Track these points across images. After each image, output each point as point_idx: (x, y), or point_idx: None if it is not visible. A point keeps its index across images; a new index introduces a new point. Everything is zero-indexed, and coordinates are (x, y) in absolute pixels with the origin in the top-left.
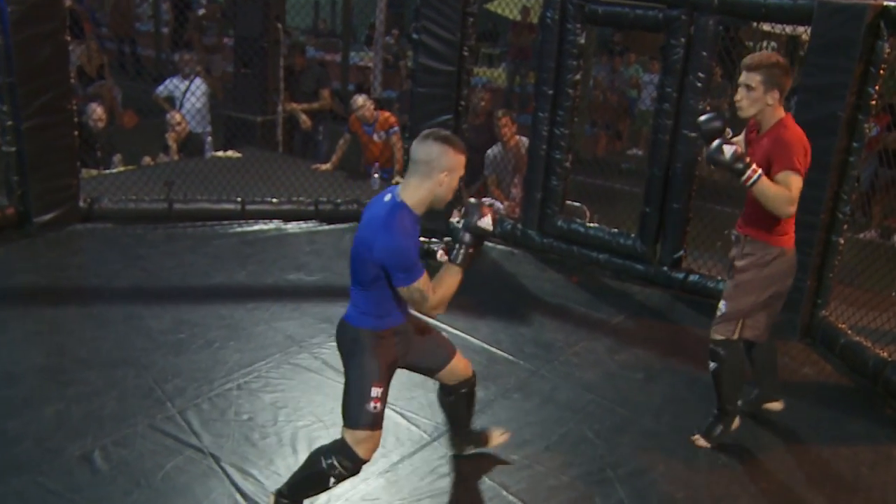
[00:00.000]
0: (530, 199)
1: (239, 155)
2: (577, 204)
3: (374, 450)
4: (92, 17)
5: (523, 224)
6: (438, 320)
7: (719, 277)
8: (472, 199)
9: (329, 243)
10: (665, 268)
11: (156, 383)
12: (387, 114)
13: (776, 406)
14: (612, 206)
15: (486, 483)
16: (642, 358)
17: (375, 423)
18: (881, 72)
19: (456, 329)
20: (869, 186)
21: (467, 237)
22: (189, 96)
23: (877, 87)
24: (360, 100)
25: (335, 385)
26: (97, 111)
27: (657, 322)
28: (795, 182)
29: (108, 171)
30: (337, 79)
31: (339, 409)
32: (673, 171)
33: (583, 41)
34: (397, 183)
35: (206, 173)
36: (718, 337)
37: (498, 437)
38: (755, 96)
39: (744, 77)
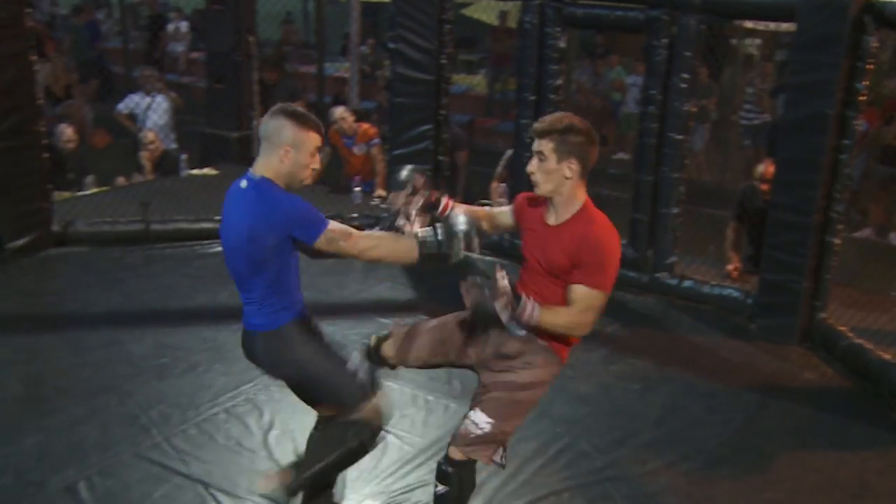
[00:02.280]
0: None
1: (215, 172)
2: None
3: (386, 411)
4: (54, 35)
5: (511, 233)
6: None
7: (713, 282)
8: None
9: (312, 260)
10: (658, 274)
11: (140, 410)
12: (366, 125)
13: None
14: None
15: (483, 500)
16: (638, 367)
17: (371, 387)
18: (869, 67)
19: None
20: (860, 184)
21: (440, 230)
22: (150, 113)
23: (865, 83)
24: (338, 111)
25: None
26: (67, 132)
27: (652, 330)
28: (598, 302)
29: (81, 193)
30: (313, 91)
31: None
32: (661, 176)
33: (563, 45)
34: (380, 196)
35: (182, 192)
36: (456, 457)
37: None
38: (549, 167)
39: (535, 144)
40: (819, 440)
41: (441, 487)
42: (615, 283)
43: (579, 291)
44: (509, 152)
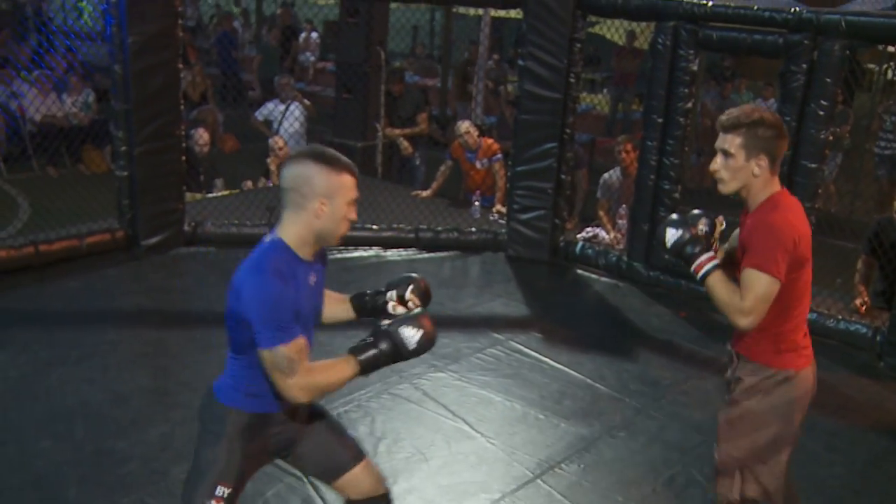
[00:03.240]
0: (637, 231)
1: None
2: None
3: None
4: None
5: (629, 256)
6: (542, 351)
7: (840, 317)
8: (411, 302)
9: (429, 271)
10: None
11: None
12: (490, 141)
13: None
14: (721, 239)
15: None
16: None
17: None
18: None
19: (559, 363)
20: None
21: (385, 344)
22: (287, 120)
23: None
24: (464, 126)
25: (435, 417)
26: (203, 136)
27: None
28: (760, 285)
29: (211, 195)
30: (436, 104)
31: (438, 443)
32: None
33: (695, 68)
34: (498, 212)
35: None
36: (720, 498)
37: None
38: (735, 165)
39: (720, 140)
40: None
41: None
42: (795, 273)
43: (744, 274)
44: (606, 176)
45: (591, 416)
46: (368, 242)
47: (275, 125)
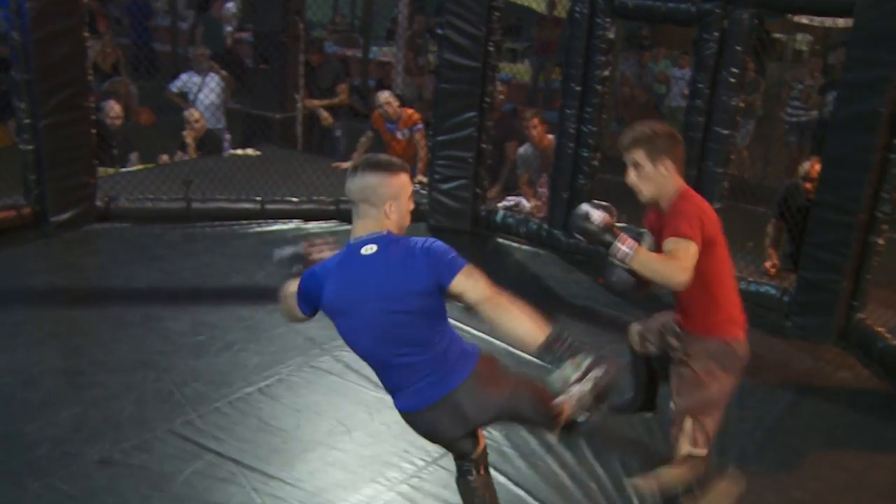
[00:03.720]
0: (557, 199)
1: (258, 153)
2: (604, 203)
3: None
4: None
5: (549, 224)
6: (463, 321)
7: (751, 279)
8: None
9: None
10: None
11: (175, 387)
12: (410, 111)
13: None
14: (640, 206)
15: (504, 485)
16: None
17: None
18: None
19: (480, 331)
20: None
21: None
22: (206, 92)
23: None
24: (384, 96)
25: (358, 389)
26: (114, 108)
27: None
28: (683, 246)
29: (124, 170)
30: (356, 75)
31: (361, 414)
32: (705, 170)
33: (612, 36)
34: (420, 182)
35: (224, 172)
36: (686, 451)
37: None
38: (646, 173)
39: (627, 158)
40: (851, 440)
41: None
42: (710, 249)
43: (667, 244)
44: (521, 150)
45: None
46: (288, 215)
47: (191, 97)
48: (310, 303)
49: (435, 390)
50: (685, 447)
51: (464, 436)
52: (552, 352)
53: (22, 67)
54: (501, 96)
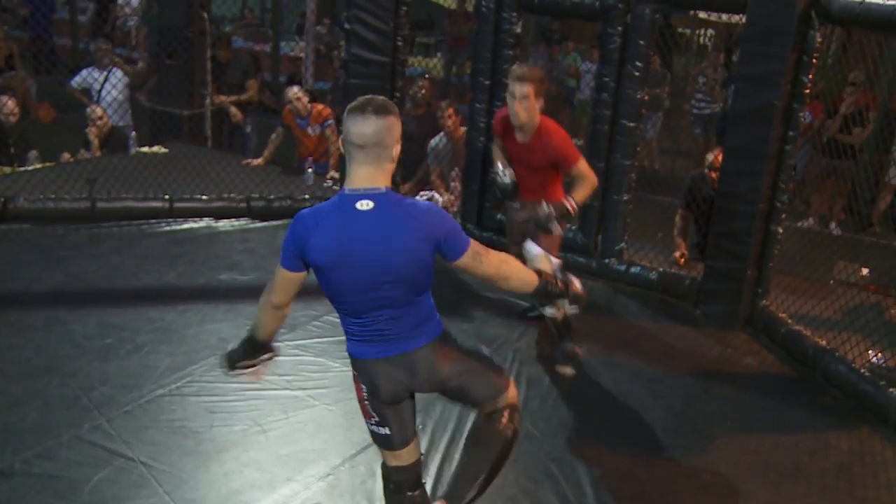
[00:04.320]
0: (469, 192)
1: (165, 150)
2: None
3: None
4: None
5: (463, 218)
6: None
7: (661, 269)
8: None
9: (262, 241)
10: (606, 260)
11: (82, 391)
12: (321, 106)
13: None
14: None
15: (432, 483)
16: (585, 352)
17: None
18: (814, 60)
19: None
20: (803, 174)
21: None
22: (109, 88)
23: (810, 76)
24: (293, 91)
25: (272, 388)
26: (8, 104)
27: (599, 315)
28: (585, 165)
29: (23, 169)
30: (267, 70)
31: (276, 414)
32: (612, 162)
33: (519, 30)
34: (332, 178)
35: (130, 170)
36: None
37: None
38: (530, 105)
39: (517, 88)
40: (757, 424)
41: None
42: None
43: (574, 169)
44: (433, 143)
45: None
46: (199, 213)
47: (93, 93)
48: (296, 254)
49: (399, 345)
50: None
51: (404, 398)
52: (547, 293)
53: None
54: (424, 91)
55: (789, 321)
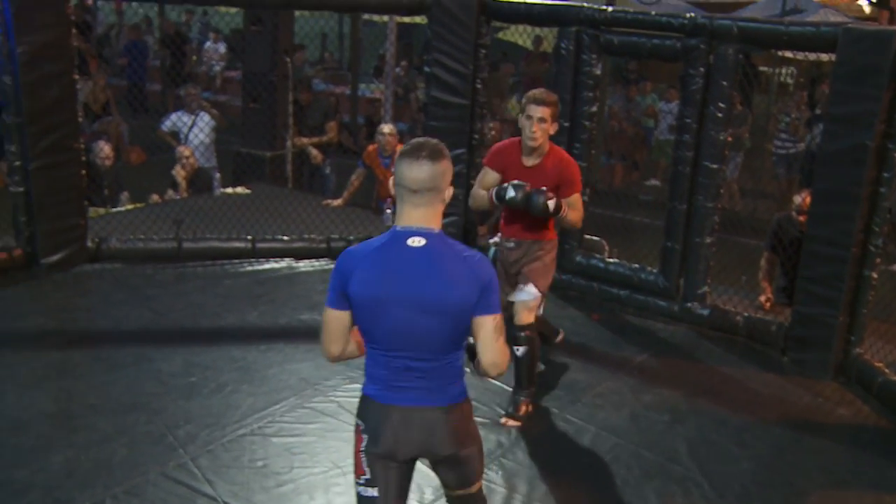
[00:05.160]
0: None
1: (248, 191)
2: (595, 238)
3: None
4: (99, 54)
5: None
6: None
7: (746, 313)
8: None
9: None
10: (689, 304)
11: (167, 429)
12: (401, 147)
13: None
14: (631, 240)
15: None
16: (668, 398)
17: None
18: None
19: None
20: None
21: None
22: (196, 131)
23: None
24: (388, 128)
25: (351, 429)
26: (105, 149)
27: (682, 361)
28: (579, 200)
29: (115, 210)
30: (346, 112)
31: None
32: (695, 204)
33: (599, 72)
34: None
35: (215, 211)
36: (529, 321)
37: None
38: (546, 128)
39: (535, 111)
40: (853, 479)
41: (521, 349)
42: None
43: (571, 198)
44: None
45: None
46: (280, 254)
47: (181, 136)
48: (340, 290)
49: (425, 397)
50: (530, 317)
51: (409, 459)
52: None
53: (13, 111)
54: (493, 133)
55: (886, 370)
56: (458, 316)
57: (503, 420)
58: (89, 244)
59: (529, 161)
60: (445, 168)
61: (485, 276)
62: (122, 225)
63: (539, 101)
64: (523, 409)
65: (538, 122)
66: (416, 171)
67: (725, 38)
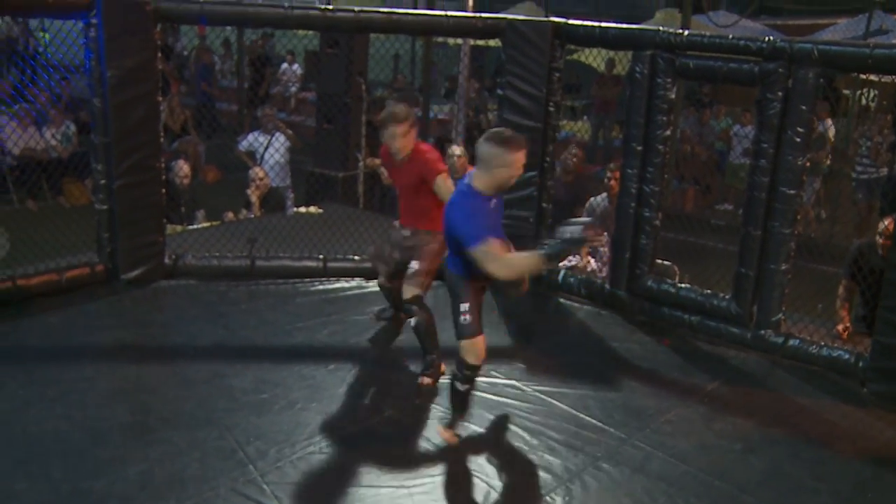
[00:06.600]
0: (618, 258)
1: (321, 211)
2: (666, 263)
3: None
4: (180, 74)
5: (611, 284)
6: (525, 381)
7: (822, 343)
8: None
9: None
10: (762, 331)
11: (238, 445)
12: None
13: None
14: (703, 265)
15: None
16: (740, 427)
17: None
18: None
19: (542, 394)
20: None
21: (553, 240)
22: (271, 151)
23: None
24: (458, 149)
25: (420, 449)
26: (183, 168)
27: (755, 389)
28: (446, 179)
29: (191, 227)
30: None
31: (421, 474)
32: (770, 230)
33: (673, 96)
34: None
35: (287, 230)
36: (415, 292)
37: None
38: (408, 140)
39: (393, 129)
40: None
41: (412, 319)
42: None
43: (437, 181)
44: (592, 201)
45: (575, 446)
46: (350, 273)
47: (257, 155)
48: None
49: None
50: (415, 291)
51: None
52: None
53: (101, 131)
54: (575, 159)
55: None
56: (449, 233)
57: (420, 379)
58: (167, 261)
59: (397, 163)
60: (496, 153)
61: (450, 219)
62: (198, 242)
63: (390, 121)
64: (436, 368)
65: (395, 138)
66: (479, 142)
67: (805, 61)
